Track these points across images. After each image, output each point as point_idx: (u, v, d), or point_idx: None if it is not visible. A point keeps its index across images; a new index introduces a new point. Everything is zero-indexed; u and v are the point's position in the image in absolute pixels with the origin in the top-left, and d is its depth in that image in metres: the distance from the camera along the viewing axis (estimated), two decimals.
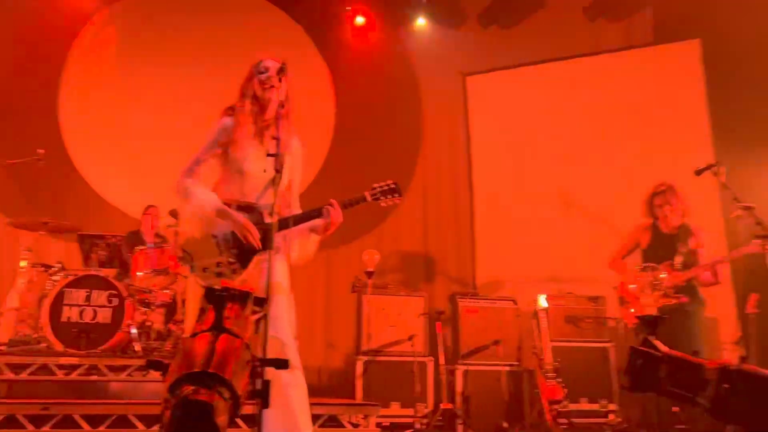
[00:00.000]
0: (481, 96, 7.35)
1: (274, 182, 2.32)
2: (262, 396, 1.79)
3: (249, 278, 2.70)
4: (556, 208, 6.89)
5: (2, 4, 6.52)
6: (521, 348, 5.76)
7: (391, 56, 7.40)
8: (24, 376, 4.12)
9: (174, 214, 5.32)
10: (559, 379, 5.24)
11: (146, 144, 6.72)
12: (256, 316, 2.08)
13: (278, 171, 2.33)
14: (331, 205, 2.73)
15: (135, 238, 5.68)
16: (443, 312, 5.78)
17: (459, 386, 5.47)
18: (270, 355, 2.30)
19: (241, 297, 2.00)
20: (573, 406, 5.38)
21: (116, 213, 6.55)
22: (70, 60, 6.90)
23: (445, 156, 7.29)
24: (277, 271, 2.74)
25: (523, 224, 6.80)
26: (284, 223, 2.67)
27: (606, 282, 5.67)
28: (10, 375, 4.11)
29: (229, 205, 2.73)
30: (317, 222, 2.76)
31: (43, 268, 5.06)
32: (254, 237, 2.69)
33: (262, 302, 2.10)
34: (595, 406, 5.56)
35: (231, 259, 2.71)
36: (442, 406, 5.32)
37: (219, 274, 2.70)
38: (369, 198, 2.86)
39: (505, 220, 6.88)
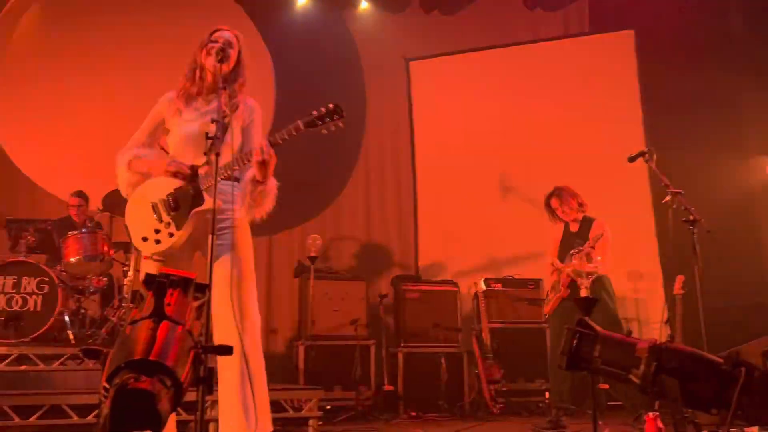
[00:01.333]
0: (424, 81, 7.37)
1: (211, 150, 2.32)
2: (205, 383, 1.77)
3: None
4: (496, 193, 7.03)
5: None
6: (461, 330, 5.88)
7: (333, 39, 7.31)
8: None
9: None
10: (498, 360, 5.39)
11: (79, 125, 6.44)
12: (198, 303, 2.04)
13: (213, 137, 2.35)
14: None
15: (67, 223, 5.47)
16: (386, 296, 5.83)
17: (401, 368, 5.54)
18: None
19: (183, 283, 1.96)
20: (511, 386, 5.54)
21: (47, 197, 6.26)
22: None
23: (389, 140, 7.28)
24: (237, 244, 2.65)
25: (465, 209, 6.89)
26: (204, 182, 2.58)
27: (544, 266, 5.84)
28: None
29: (179, 172, 2.61)
30: (252, 171, 2.59)
31: None
32: (181, 166, 2.60)
33: (204, 288, 2.06)
34: (531, 386, 5.75)
35: (168, 222, 2.60)
36: (384, 388, 5.38)
37: (157, 242, 2.61)
38: (302, 126, 2.56)
39: (448, 205, 6.96)
